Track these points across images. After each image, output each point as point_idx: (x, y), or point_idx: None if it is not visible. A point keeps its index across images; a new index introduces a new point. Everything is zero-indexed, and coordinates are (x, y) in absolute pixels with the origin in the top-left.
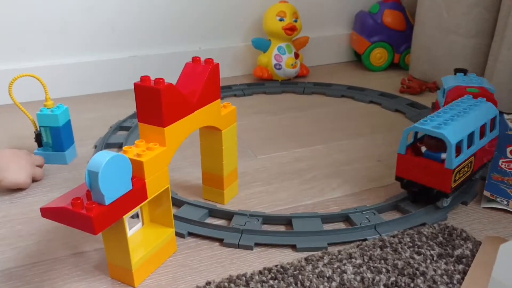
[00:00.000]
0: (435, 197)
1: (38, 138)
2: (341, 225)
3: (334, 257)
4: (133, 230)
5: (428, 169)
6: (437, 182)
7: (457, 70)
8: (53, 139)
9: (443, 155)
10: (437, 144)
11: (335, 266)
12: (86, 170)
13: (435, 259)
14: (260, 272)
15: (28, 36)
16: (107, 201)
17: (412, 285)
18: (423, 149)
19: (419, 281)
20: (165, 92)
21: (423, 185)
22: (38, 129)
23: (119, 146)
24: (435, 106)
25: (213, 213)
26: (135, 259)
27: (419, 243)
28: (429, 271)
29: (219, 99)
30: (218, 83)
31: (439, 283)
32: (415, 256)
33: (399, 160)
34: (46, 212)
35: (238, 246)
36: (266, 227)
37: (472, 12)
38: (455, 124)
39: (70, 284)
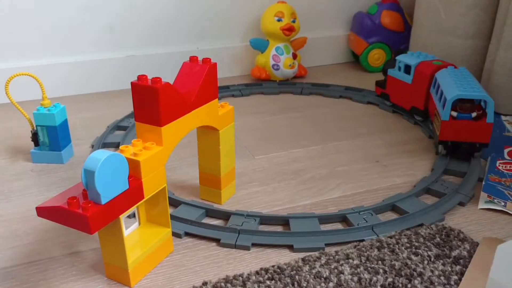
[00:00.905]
0: (478, 149)
1: (35, 137)
2: (338, 226)
3: (331, 257)
4: (130, 229)
5: (471, 128)
6: (479, 137)
7: (399, 52)
8: (49, 138)
9: (474, 114)
10: (470, 106)
11: (332, 266)
12: (83, 169)
13: (432, 260)
14: (257, 273)
15: (26, 35)
16: (103, 200)
17: (409, 286)
18: (454, 113)
19: (416, 282)
20: (162, 92)
21: (468, 142)
22: (35, 128)
23: (116, 145)
24: (387, 84)
25: (210, 213)
26: (132, 259)
27: (416, 244)
28: (426, 272)
29: (217, 99)
30: (215, 82)
31: (436, 284)
32: (413, 256)
33: (443, 126)
34: (42, 212)
35: (235, 246)
36: (263, 227)
37: (469, 14)
38: (478, 87)
39: (66, 283)
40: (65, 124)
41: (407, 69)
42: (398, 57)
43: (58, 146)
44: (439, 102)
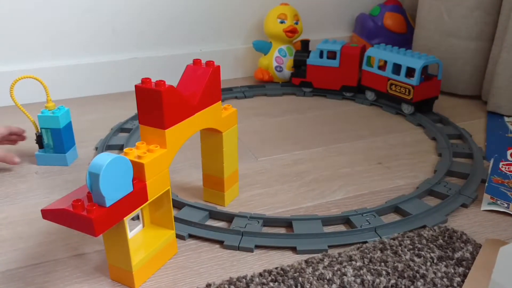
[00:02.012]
0: (432, 101)
1: (39, 139)
2: (341, 228)
3: (334, 259)
4: (134, 232)
5: (430, 87)
6: (435, 92)
7: (304, 42)
8: (54, 141)
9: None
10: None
11: (335, 268)
12: (87, 172)
13: (435, 261)
14: (260, 274)
15: (29, 37)
16: (108, 203)
17: (412, 287)
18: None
19: (419, 283)
20: (166, 94)
21: (428, 98)
22: (39, 130)
23: (120, 148)
24: (307, 72)
25: (214, 215)
26: (136, 261)
27: (419, 246)
28: (429, 273)
29: (220, 101)
30: (219, 85)
31: (439, 285)
32: (415, 258)
33: (416, 90)
34: (47, 214)
35: (238, 248)
36: (266, 229)
37: (472, 15)
38: (422, 54)
39: (71, 285)
40: (69, 126)
41: (332, 54)
42: (319, 46)
43: (62, 149)
44: (395, 74)
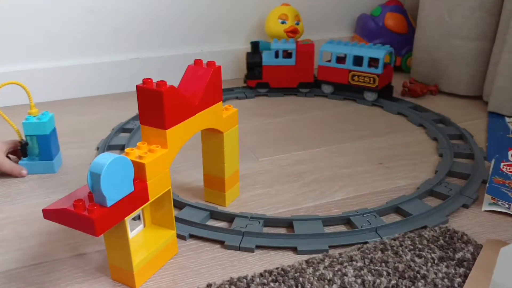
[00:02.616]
0: (391, 88)
1: (24, 148)
2: (342, 228)
3: (335, 259)
4: (135, 232)
5: (388, 74)
6: (390, 79)
7: (254, 44)
8: (40, 148)
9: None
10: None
11: (336, 269)
12: (88, 172)
13: (436, 262)
14: (261, 275)
15: (30, 38)
16: (109, 203)
17: None
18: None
19: (420, 284)
20: (167, 95)
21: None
22: (25, 139)
23: (121, 148)
24: (263, 73)
25: (214, 215)
26: (136, 261)
27: (420, 246)
28: (430, 274)
29: (221, 102)
30: (220, 85)
31: (440, 286)
32: (416, 259)
33: (380, 78)
34: (48, 214)
35: (239, 249)
36: (267, 230)
37: (473, 16)
38: (376, 45)
39: (72, 285)
40: (54, 132)
41: (288, 54)
42: (274, 46)
43: (50, 155)
44: (356, 66)
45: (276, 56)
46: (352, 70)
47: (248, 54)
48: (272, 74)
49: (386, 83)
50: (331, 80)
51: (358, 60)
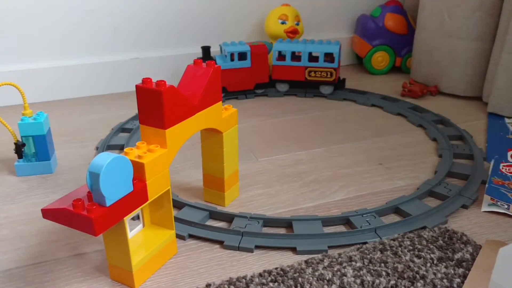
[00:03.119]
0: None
1: (19, 149)
2: (341, 228)
3: (334, 260)
4: (134, 231)
5: (338, 68)
6: (339, 73)
7: (205, 49)
8: (37, 148)
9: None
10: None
11: (335, 269)
12: (88, 171)
13: (435, 262)
14: (260, 275)
15: (30, 38)
16: (108, 202)
17: None
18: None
19: (419, 284)
20: (167, 94)
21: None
22: (21, 139)
23: (121, 147)
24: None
25: (214, 215)
26: (136, 261)
27: (419, 247)
28: (429, 274)
29: (221, 102)
30: (219, 85)
31: (439, 286)
32: (415, 259)
33: (337, 72)
34: (47, 213)
35: (238, 249)
36: (266, 230)
37: (473, 16)
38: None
39: (71, 285)
40: (50, 132)
41: (243, 56)
42: (229, 50)
43: (47, 156)
44: (313, 62)
45: (232, 59)
46: (309, 66)
47: (226, 46)
48: (228, 78)
49: (339, 76)
50: (287, 78)
51: (312, 57)
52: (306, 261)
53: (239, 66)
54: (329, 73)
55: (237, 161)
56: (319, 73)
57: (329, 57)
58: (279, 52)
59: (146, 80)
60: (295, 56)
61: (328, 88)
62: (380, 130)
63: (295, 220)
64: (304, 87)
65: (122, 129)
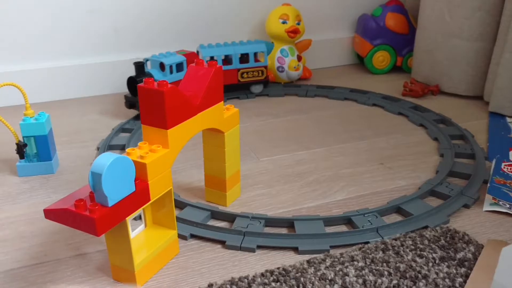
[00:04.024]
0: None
1: (21, 149)
2: (343, 228)
3: (336, 259)
4: (136, 231)
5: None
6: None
7: (138, 65)
8: (39, 149)
9: None
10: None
11: (337, 268)
12: (90, 171)
13: (437, 262)
14: (262, 275)
15: (30, 37)
16: (110, 202)
17: None
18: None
19: (421, 284)
20: (169, 95)
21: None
22: (22, 140)
23: (122, 147)
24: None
25: (216, 215)
26: (138, 261)
27: (421, 246)
28: (431, 274)
29: (222, 102)
30: (221, 85)
31: (441, 286)
32: (417, 259)
33: (269, 72)
34: (49, 214)
35: (240, 248)
36: (268, 230)
37: (474, 16)
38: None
39: (73, 285)
40: (51, 133)
41: (180, 67)
42: (166, 62)
43: (49, 156)
44: (244, 63)
45: (171, 71)
46: (241, 68)
47: (131, 79)
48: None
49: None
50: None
51: (243, 58)
52: (308, 261)
53: (178, 78)
54: (260, 72)
55: (238, 161)
56: (251, 73)
57: (258, 56)
58: (211, 58)
59: (148, 80)
60: (226, 60)
61: (259, 86)
62: (381, 130)
63: (297, 220)
64: (236, 89)
65: (122, 129)
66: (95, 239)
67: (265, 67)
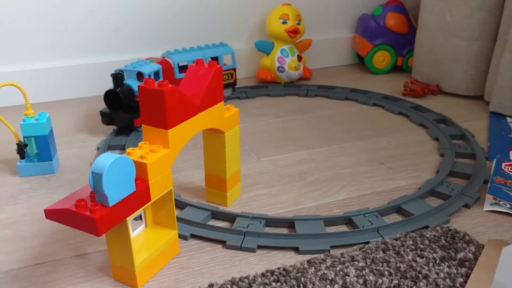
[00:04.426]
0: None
1: (22, 149)
2: (343, 228)
3: (337, 259)
4: (136, 232)
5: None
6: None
7: (117, 77)
8: (40, 149)
9: None
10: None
11: (338, 268)
12: (90, 172)
13: (437, 262)
14: (263, 275)
15: (31, 37)
16: (111, 202)
17: None
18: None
19: (421, 284)
20: (169, 95)
21: None
22: (23, 140)
23: (122, 148)
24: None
25: (216, 215)
26: (138, 261)
27: (421, 246)
28: (431, 274)
29: (222, 102)
30: (221, 85)
31: (441, 286)
32: (418, 259)
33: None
34: (50, 214)
35: (240, 249)
36: (268, 230)
37: (475, 16)
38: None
39: (74, 285)
40: (51, 133)
41: (157, 75)
42: (145, 70)
43: (49, 156)
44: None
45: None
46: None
47: (111, 92)
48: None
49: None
50: None
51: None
52: (308, 261)
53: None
54: (230, 75)
55: (239, 161)
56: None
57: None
58: (178, 65)
59: (148, 81)
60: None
61: (228, 90)
62: (382, 130)
63: (297, 220)
64: None
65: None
66: (96, 239)
67: (234, 69)
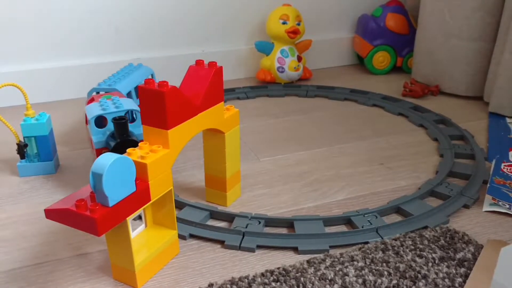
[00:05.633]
0: None
1: (22, 149)
2: (343, 228)
3: (336, 259)
4: (136, 231)
5: None
6: None
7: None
8: (39, 149)
9: None
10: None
11: (337, 268)
12: (91, 171)
13: (437, 262)
14: (262, 275)
15: (31, 38)
16: (111, 202)
17: None
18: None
19: (420, 284)
20: (169, 95)
21: None
22: (23, 140)
23: None
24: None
25: (215, 215)
26: (138, 261)
27: (421, 246)
28: (430, 274)
29: (222, 102)
30: (221, 86)
31: (440, 286)
32: (417, 259)
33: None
34: (50, 214)
35: (239, 248)
36: (268, 230)
37: (474, 16)
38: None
39: (74, 285)
40: (52, 133)
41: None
42: (91, 108)
43: (50, 156)
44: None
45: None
46: None
47: (112, 136)
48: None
49: None
50: None
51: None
52: (308, 261)
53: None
54: None
55: (239, 161)
56: None
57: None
58: (129, 92)
59: (148, 81)
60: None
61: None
62: (381, 130)
63: (297, 220)
64: None
65: None
66: (96, 239)
67: None
